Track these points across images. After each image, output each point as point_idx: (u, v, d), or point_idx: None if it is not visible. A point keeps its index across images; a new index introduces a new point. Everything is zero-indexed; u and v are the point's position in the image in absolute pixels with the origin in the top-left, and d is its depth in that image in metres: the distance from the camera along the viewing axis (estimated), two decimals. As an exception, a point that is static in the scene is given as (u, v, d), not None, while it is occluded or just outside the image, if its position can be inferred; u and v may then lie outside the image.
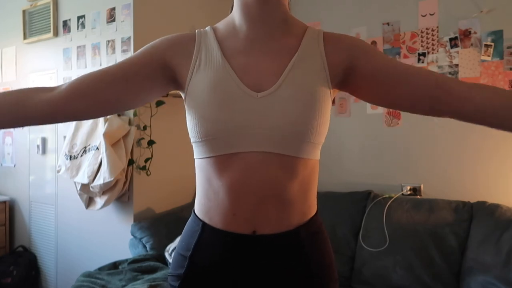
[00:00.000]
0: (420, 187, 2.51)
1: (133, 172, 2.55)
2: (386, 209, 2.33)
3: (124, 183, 2.49)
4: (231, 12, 0.95)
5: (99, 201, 2.51)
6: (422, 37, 2.54)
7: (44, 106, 0.86)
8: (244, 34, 0.90)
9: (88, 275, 2.23)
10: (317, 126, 0.85)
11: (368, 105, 2.64)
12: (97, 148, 2.50)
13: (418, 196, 2.48)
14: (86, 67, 2.79)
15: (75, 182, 2.59)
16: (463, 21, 2.41)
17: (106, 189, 2.44)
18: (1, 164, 3.46)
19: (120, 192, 2.50)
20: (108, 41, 2.66)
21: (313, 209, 0.93)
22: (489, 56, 2.33)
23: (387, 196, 2.43)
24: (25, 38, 3.18)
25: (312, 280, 0.89)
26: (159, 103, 2.51)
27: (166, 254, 2.32)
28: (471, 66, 2.38)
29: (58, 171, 2.70)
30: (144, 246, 2.44)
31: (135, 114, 2.52)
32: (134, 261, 2.31)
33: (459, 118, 0.86)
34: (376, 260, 2.24)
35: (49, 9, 2.97)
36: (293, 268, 0.88)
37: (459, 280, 2.08)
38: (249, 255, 0.86)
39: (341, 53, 0.89)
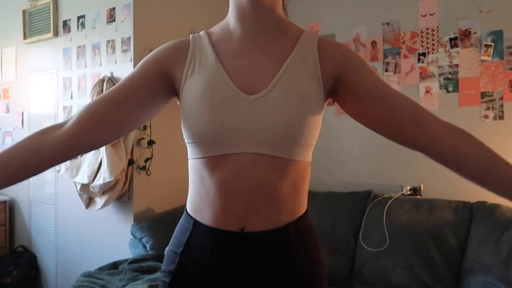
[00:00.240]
0: (420, 187, 2.51)
1: (133, 172, 2.55)
2: (386, 209, 2.34)
3: (124, 183, 2.49)
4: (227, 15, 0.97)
5: (99, 201, 2.51)
6: (422, 37, 2.54)
7: (61, 146, 0.87)
8: (238, 37, 0.91)
9: (88, 275, 2.23)
10: (308, 129, 0.86)
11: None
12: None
13: (418, 196, 2.48)
14: (86, 67, 2.79)
15: (75, 182, 2.59)
16: (463, 21, 2.41)
17: (106, 189, 2.44)
18: (1, 164, 3.45)
19: (120, 192, 2.50)
20: (108, 41, 2.67)
21: (302, 208, 0.94)
22: (489, 56, 2.33)
23: (387, 196, 2.43)
24: (25, 38, 3.18)
25: (299, 277, 0.90)
26: (159, 103, 2.50)
27: (166, 254, 2.32)
28: (471, 66, 2.38)
29: (58, 171, 2.70)
30: (144, 246, 2.44)
31: (135, 114, 2.52)
32: (134, 261, 2.31)
33: (429, 155, 0.88)
34: (376, 260, 2.24)
35: (49, 9, 2.97)
36: (281, 265, 0.89)
37: (459, 280, 2.08)
38: (238, 252, 0.87)
39: (334, 61, 0.91)
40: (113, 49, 2.64)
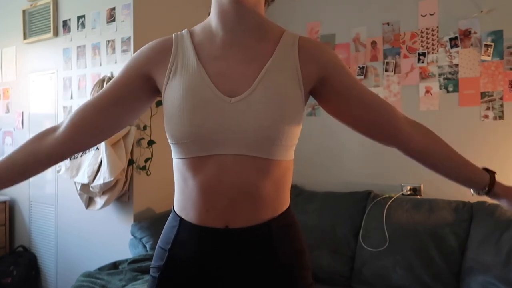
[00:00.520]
0: (420, 187, 2.51)
1: (133, 172, 2.55)
2: (386, 209, 2.33)
3: (124, 183, 2.49)
4: (208, 15, 0.98)
5: (99, 201, 2.52)
6: (422, 37, 2.54)
7: (56, 147, 0.96)
8: (220, 39, 0.93)
9: (88, 275, 2.23)
10: (289, 130, 0.89)
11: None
12: (97, 148, 2.50)
13: (418, 196, 2.48)
14: (86, 67, 2.79)
15: (75, 182, 2.59)
16: (463, 21, 2.41)
17: (106, 189, 2.45)
18: (1, 164, 3.45)
19: (120, 192, 2.50)
20: (108, 41, 2.67)
21: (285, 205, 0.96)
22: (489, 56, 2.33)
23: (387, 196, 2.43)
24: (25, 38, 3.18)
25: (282, 270, 0.93)
26: (159, 103, 2.51)
27: (166, 254, 2.32)
28: (471, 66, 2.38)
29: (58, 171, 2.70)
30: (144, 246, 2.44)
31: (135, 114, 2.52)
32: (134, 261, 2.31)
33: (404, 153, 1.05)
34: (376, 260, 2.24)
35: (49, 9, 2.97)
36: (263, 259, 0.91)
37: (459, 280, 2.08)
38: (222, 248, 0.90)
39: (314, 63, 0.94)
40: (113, 49, 2.64)
